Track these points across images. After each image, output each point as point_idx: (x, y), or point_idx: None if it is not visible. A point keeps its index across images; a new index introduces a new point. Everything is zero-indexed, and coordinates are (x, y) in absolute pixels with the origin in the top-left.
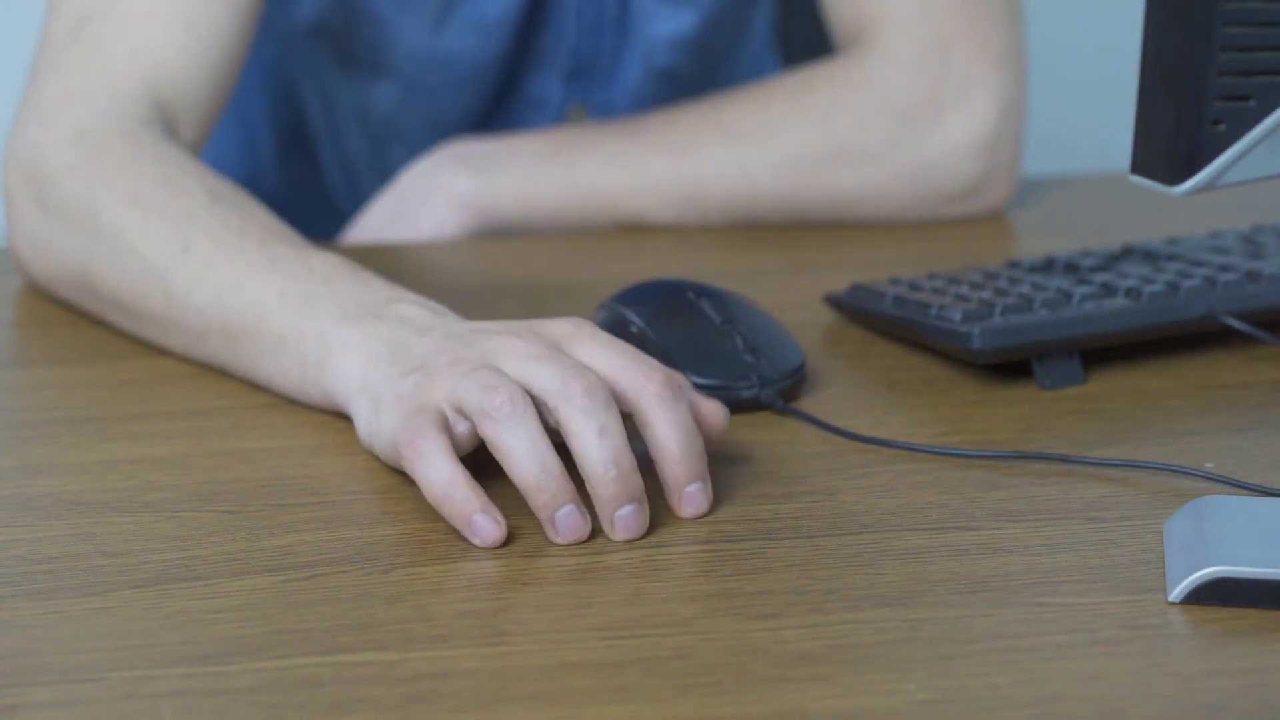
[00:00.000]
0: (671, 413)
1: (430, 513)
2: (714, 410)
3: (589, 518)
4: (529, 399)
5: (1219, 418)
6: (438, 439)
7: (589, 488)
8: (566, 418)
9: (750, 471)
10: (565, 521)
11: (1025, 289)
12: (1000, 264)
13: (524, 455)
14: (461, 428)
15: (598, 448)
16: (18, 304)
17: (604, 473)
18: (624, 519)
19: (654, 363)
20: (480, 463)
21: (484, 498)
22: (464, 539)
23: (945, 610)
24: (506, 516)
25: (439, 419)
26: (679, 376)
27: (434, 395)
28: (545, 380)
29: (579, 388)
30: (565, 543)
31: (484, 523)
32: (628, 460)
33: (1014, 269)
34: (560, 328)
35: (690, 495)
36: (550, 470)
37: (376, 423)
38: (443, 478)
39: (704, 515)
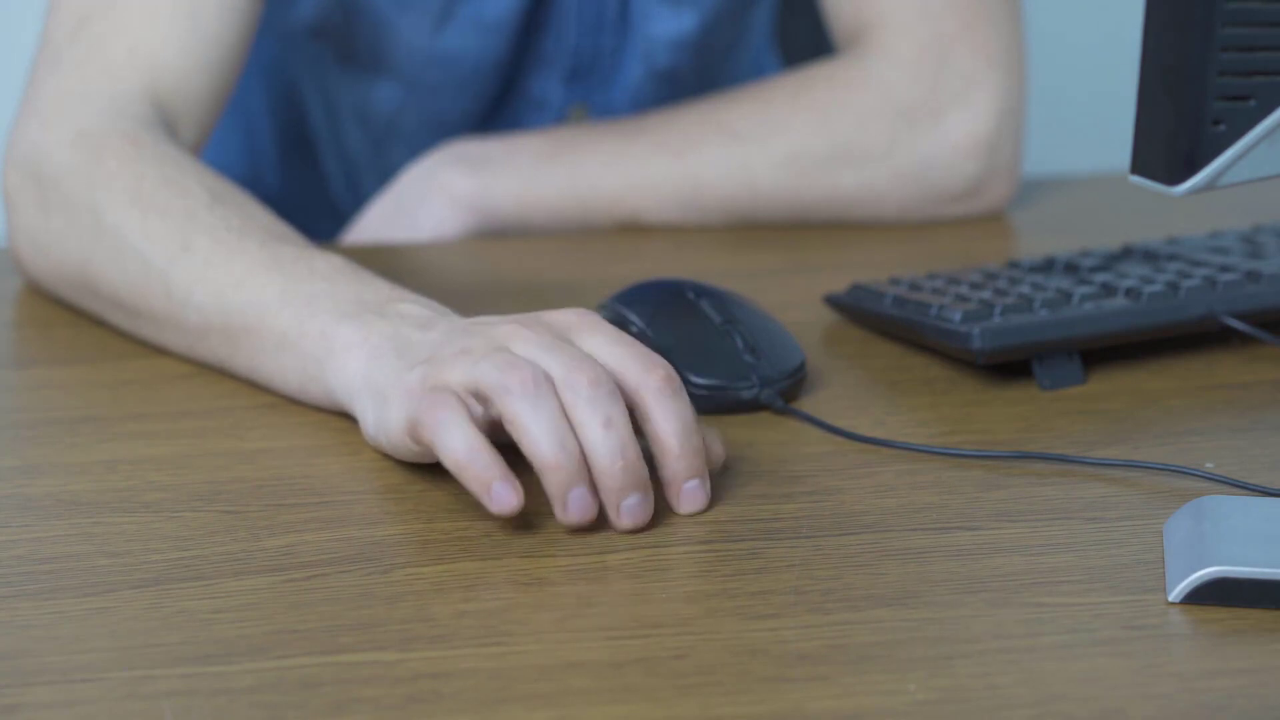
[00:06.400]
0: (671, 408)
1: (430, 513)
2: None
3: (597, 502)
4: (549, 379)
5: (1219, 418)
6: (457, 408)
7: (595, 478)
8: (573, 408)
9: (750, 471)
10: (577, 503)
11: (1025, 289)
12: (1000, 264)
13: (544, 432)
14: (474, 412)
15: (604, 438)
16: (18, 304)
17: (610, 463)
18: (630, 508)
19: (656, 357)
20: None
21: (504, 466)
22: (463, 539)
23: (945, 610)
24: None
25: (456, 395)
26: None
27: (446, 382)
28: (551, 369)
29: (585, 379)
30: (573, 523)
31: (503, 490)
32: (633, 451)
33: (1014, 269)
34: (565, 318)
35: (689, 492)
36: (568, 450)
37: (385, 416)
38: (464, 444)
39: (702, 513)
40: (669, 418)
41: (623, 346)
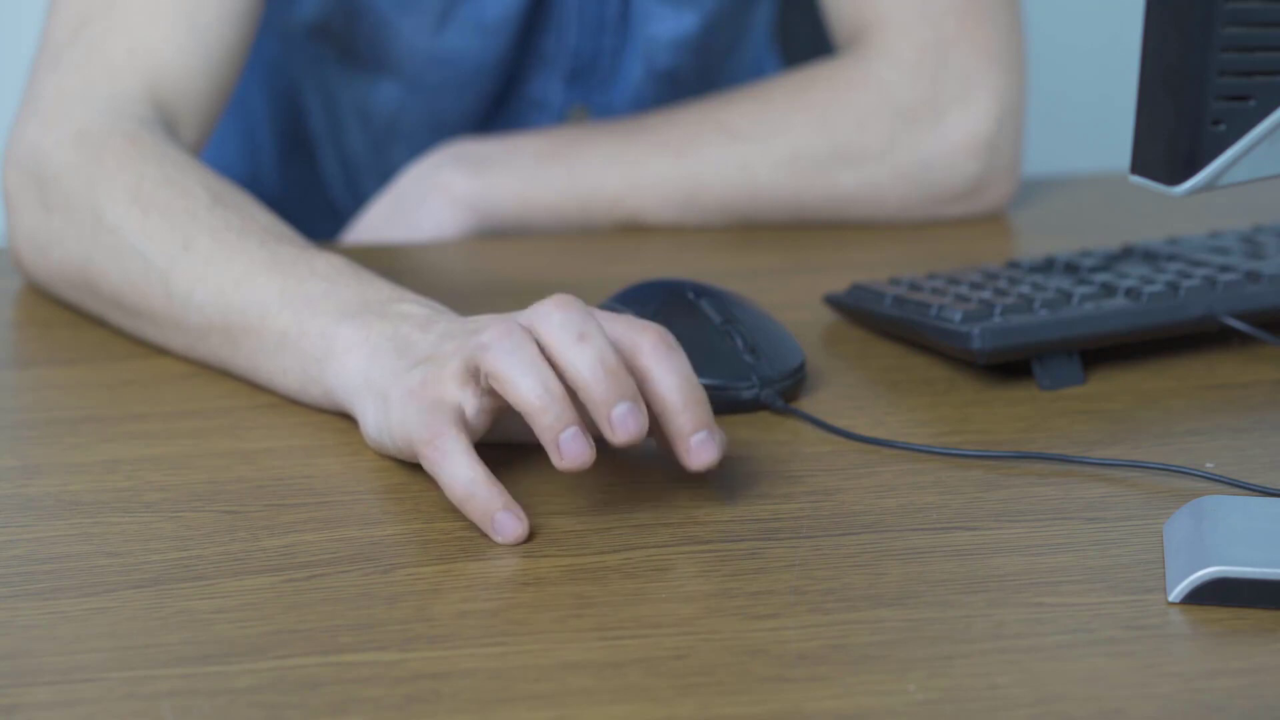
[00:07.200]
0: (669, 364)
1: (430, 513)
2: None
3: (593, 445)
4: (528, 333)
5: (1219, 418)
6: (458, 437)
7: (581, 395)
8: (546, 335)
9: (750, 471)
10: (569, 445)
11: (1025, 289)
12: (1000, 264)
13: (525, 378)
14: (473, 409)
15: (579, 351)
16: (18, 304)
17: (591, 373)
18: (620, 418)
19: (645, 321)
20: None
21: (506, 495)
22: (463, 539)
23: (945, 610)
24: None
25: (456, 414)
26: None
27: (445, 385)
28: (527, 318)
29: (552, 305)
30: (570, 467)
31: (507, 520)
32: (613, 358)
33: (1014, 269)
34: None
35: (698, 444)
36: (553, 392)
37: (386, 418)
38: (466, 476)
39: (702, 512)
40: (667, 373)
41: (609, 319)
